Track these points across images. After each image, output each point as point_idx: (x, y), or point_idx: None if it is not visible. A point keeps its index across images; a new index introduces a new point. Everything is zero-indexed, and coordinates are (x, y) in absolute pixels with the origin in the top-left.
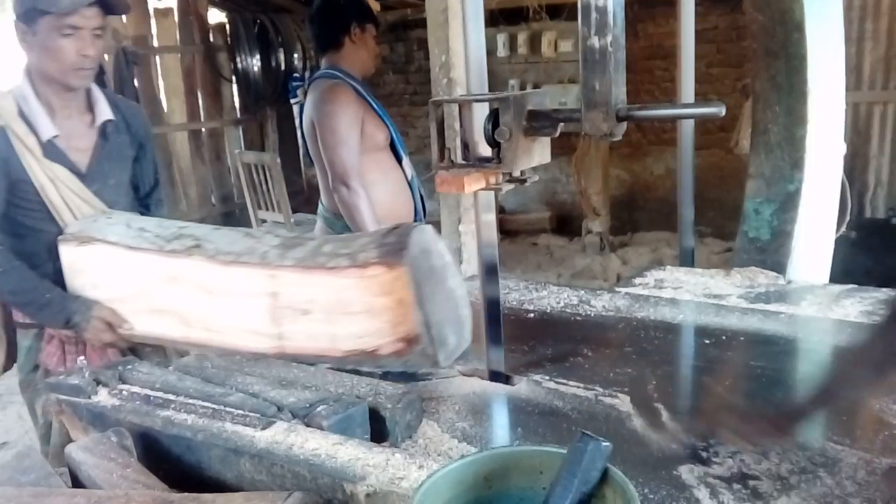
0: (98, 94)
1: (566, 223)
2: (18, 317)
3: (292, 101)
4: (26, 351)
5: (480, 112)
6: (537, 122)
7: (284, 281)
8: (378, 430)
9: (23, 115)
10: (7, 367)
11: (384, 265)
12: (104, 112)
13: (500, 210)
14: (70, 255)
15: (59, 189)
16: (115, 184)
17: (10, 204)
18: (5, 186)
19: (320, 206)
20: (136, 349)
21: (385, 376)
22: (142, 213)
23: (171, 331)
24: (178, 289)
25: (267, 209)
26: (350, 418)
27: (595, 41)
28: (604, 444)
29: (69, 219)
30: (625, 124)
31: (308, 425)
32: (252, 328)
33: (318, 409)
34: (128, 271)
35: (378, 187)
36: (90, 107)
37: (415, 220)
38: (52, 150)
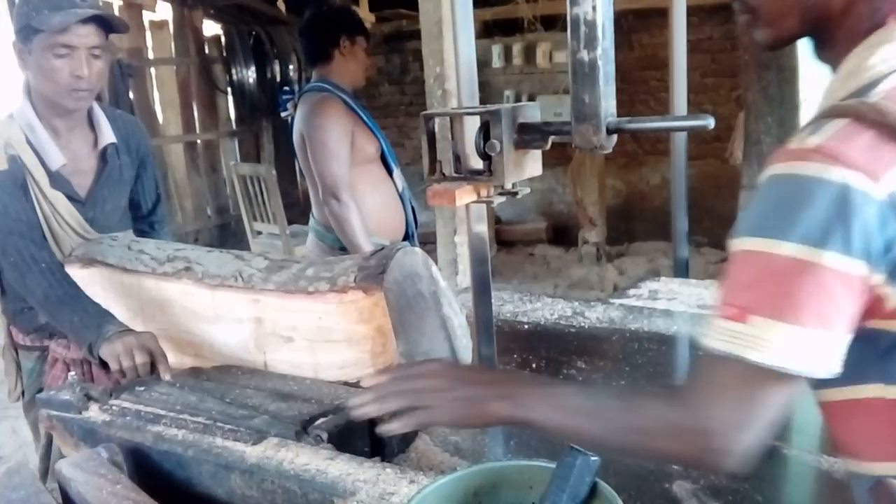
0: (99, 114)
1: (562, 233)
2: (21, 339)
3: (283, 114)
4: (29, 373)
5: (472, 125)
6: (528, 135)
7: (267, 306)
8: (375, 442)
9: (30, 144)
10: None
11: (362, 290)
12: (107, 136)
13: (497, 220)
14: (74, 277)
15: (57, 220)
16: (112, 209)
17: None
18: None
19: (311, 218)
20: None
21: None
22: (145, 232)
23: (168, 356)
24: (170, 313)
25: (263, 221)
26: (350, 430)
27: (584, 55)
28: (592, 458)
29: (65, 250)
30: (615, 137)
31: (308, 436)
32: (238, 356)
33: (318, 421)
34: (126, 294)
35: (369, 199)
36: (92, 127)
37: (406, 233)
38: (58, 179)
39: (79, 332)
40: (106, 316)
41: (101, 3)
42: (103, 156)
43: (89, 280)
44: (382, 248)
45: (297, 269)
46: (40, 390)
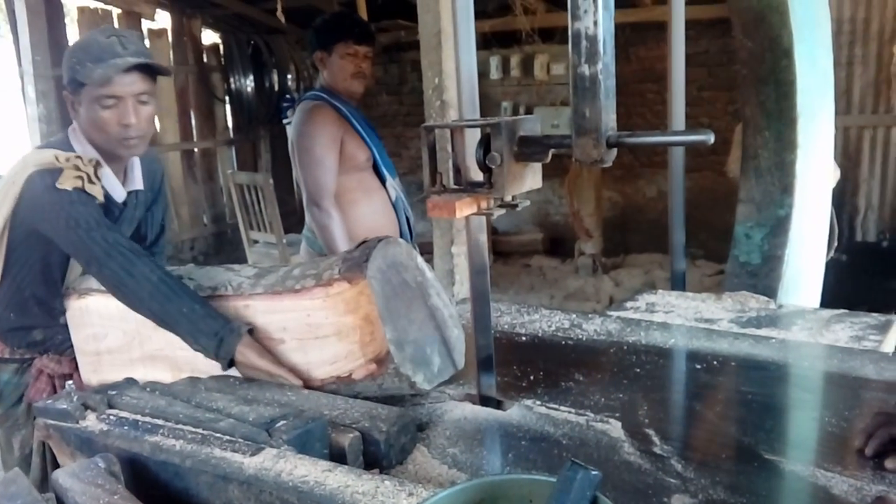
0: (135, 158)
1: (559, 245)
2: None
3: (284, 121)
4: (4, 385)
5: (472, 137)
6: (528, 148)
7: (257, 309)
8: (372, 454)
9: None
10: None
11: (346, 280)
12: (137, 181)
13: (493, 231)
14: (72, 310)
15: None
16: None
17: (38, 254)
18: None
19: (304, 225)
20: None
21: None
22: None
23: (164, 377)
24: (164, 332)
25: (259, 230)
26: (309, 433)
27: (585, 69)
28: (593, 472)
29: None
30: (615, 151)
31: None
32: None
33: (279, 423)
34: (121, 319)
35: (360, 207)
36: (125, 169)
37: None
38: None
39: (196, 326)
40: (215, 316)
41: (145, 47)
42: (125, 198)
43: (86, 309)
44: (365, 241)
45: (284, 272)
46: (17, 401)
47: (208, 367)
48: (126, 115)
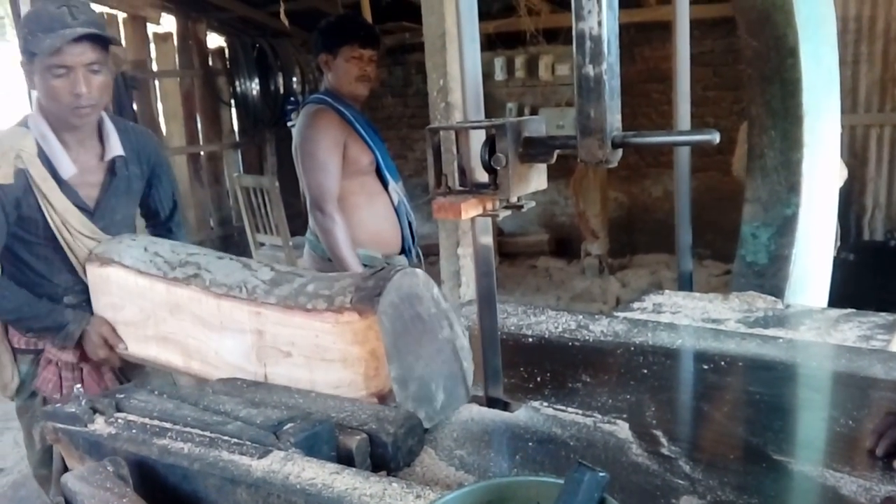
0: (109, 126)
1: (565, 245)
2: (15, 341)
3: (288, 124)
4: (22, 376)
5: (477, 138)
6: (533, 149)
7: (268, 319)
8: (380, 456)
9: (42, 155)
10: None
11: (357, 311)
12: (115, 148)
13: (499, 232)
14: (94, 276)
15: (68, 228)
16: (122, 218)
17: (15, 238)
18: (13, 222)
19: (308, 229)
20: (138, 370)
21: None
22: (164, 237)
23: (175, 360)
24: (179, 318)
25: (265, 232)
26: (317, 436)
27: (590, 69)
28: (600, 474)
29: (80, 255)
30: (620, 151)
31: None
32: (241, 365)
33: (286, 426)
34: (139, 296)
35: (363, 211)
36: (101, 139)
37: (402, 246)
38: (67, 188)
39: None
40: (54, 312)
41: (97, 16)
42: (111, 168)
43: (106, 278)
44: (382, 269)
45: (298, 284)
46: (33, 393)
47: (217, 359)
48: (77, 84)
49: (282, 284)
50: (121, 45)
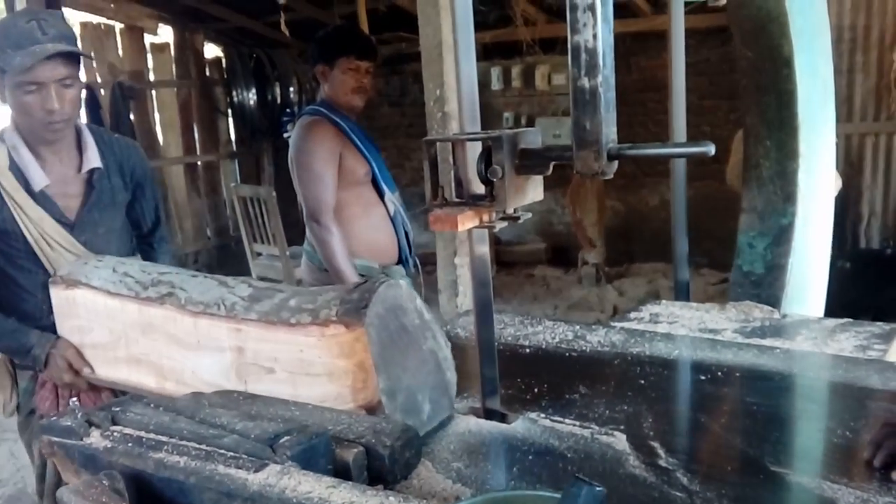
0: (88, 138)
1: (562, 254)
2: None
3: (285, 135)
4: (23, 392)
5: (473, 150)
6: (530, 160)
7: (249, 335)
8: (377, 469)
9: (14, 166)
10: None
11: (343, 324)
12: (92, 160)
13: (496, 241)
14: (59, 298)
15: (47, 240)
16: (106, 231)
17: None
18: None
19: (305, 239)
20: None
21: None
22: (146, 252)
23: (148, 381)
24: (152, 338)
25: (263, 242)
26: (313, 449)
27: (585, 82)
28: (597, 488)
29: (58, 265)
30: (616, 163)
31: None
32: (219, 384)
33: (283, 439)
34: (108, 317)
35: (359, 221)
36: (80, 151)
37: (399, 256)
38: (42, 199)
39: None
40: (18, 332)
41: (67, 28)
42: (89, 180)
43: (72, 301)
44: (366, 281)
45: (279, 299)
46: (33, 411)
47: (193, 378)
48: (49, 101)
49: (262, 300)
50: (91, 58)
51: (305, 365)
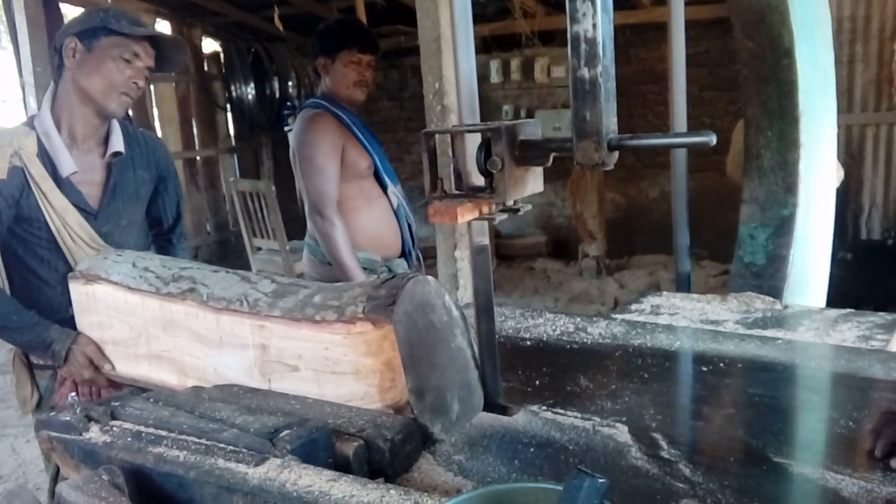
0: (115, 126)
1: (562, 247)
2: (34, 357)
3: (286, 129)
4: (42, 392)
5: (473, 141)
6: (529, 152)
7: (273, 332)
8: (377, 462)
9: (43, 153)
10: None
11: (370, 321)
12: (115, 143)
13: (496, 234)
14: (78, 294)
15: (68, 231)
16: (128, 224)
17: (17, 239)
18: (12, 220)
19: (307, 233)
20: None
21: None
22: (164, 248)
23: (169, 379)
24: (174, 335)
25: (262, 237)
26: (313, 442)
27: (585, 72)
28: (600, 480)
29: (79, 258)
30: (616, 154)
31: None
32: (243, 382)
33: (283, 433)
34: (129, 313)
35: (362, 215)
36: (106, 140)
37: (402, 249)
38: (68, 187)
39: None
40: (39, 327)
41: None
42: (111, 165)
43: (92, 296)
44: (393, 277)
45: (304, 296)
46: (52, 409)
47: (214, 376)
48: (139, 76)
49: (286, 296)
50: (177, 70)
51: (331, 363)
